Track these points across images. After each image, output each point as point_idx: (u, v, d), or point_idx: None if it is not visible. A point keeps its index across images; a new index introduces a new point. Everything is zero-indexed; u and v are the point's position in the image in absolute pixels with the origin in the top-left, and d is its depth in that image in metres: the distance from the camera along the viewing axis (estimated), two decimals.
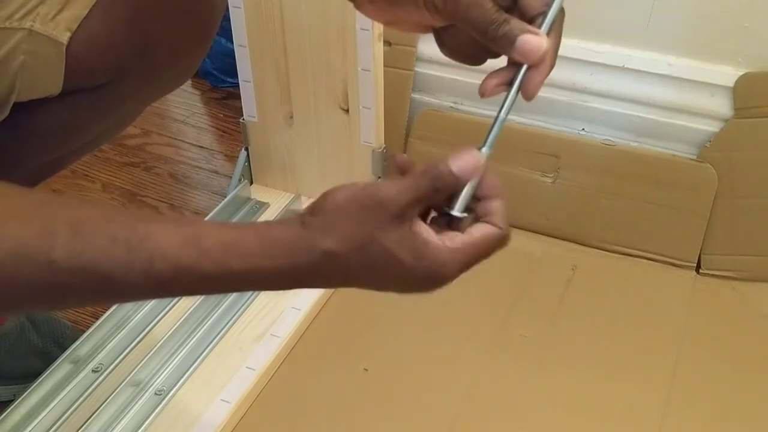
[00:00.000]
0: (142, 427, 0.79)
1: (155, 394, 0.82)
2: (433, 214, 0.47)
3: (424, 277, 0.44)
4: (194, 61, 0.69)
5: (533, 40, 0.46)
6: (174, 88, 0.73)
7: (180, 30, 0.64)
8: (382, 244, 0.43)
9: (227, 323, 0.91)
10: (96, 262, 0.42)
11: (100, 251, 0.42)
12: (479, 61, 0.52)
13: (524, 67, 0.48)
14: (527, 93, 0.48)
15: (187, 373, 0.85)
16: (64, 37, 0.58)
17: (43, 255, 0.41)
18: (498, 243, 0.46)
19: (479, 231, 0.45)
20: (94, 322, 0.90)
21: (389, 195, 0.43)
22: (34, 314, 0.90)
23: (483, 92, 0.50)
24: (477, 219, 0.46)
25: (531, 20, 0.48)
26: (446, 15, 0.49)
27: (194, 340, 0.89)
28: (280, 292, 0.94)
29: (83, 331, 0.89)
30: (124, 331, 0.89)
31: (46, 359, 0.85)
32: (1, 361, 0.86)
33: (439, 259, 0.44)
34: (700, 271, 1.03)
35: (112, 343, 0.88)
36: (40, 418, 0.79)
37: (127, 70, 0.62)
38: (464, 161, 0.45)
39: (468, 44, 0.51)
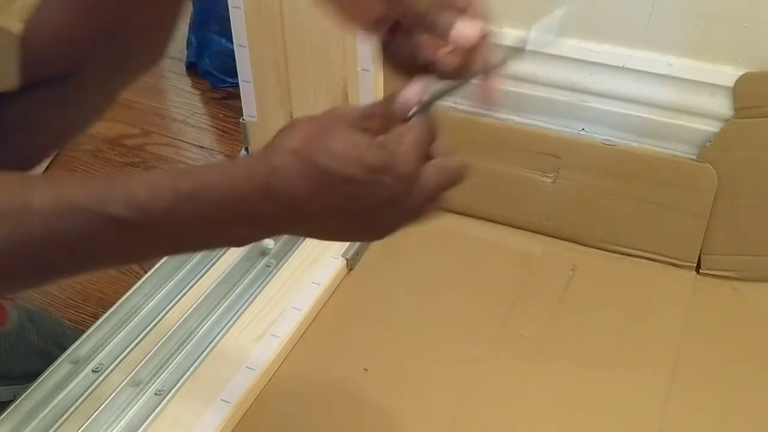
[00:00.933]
0: (142, 427, 0.79)
1: (155, 394, 0.82)
2: None
3: (383, 167, 0.47)
4: (161, 44, 0.66)
5: (467, 25, 0.53)
6: (143, 73, 0.68)
7: (143, 12, 0.60)
8: (337, 148, 0.46)
9: (227, 323, 0.91)
10: (74, 200, 0.44)
11: (78, 189, 0.44)
12: (411, 75, 0.56)
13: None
14: (484, 101, 0.54)
15: (187, 373, 0.85)
16: (17, 28, 0.54)
17: (22, 205, 0.43)
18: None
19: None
20: (94, 322, 0.90)
21: (341, 109, 0.49)
22: (34, 314, 0.90)
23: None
24: None
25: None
26: (394, 2, 0.55)
27: (194, 340, 0.89)
28: (281, 290, 0.96)
29: (83, 331, 0.89)
30: (124, 331, 0.89)
31: (46, 359, 0.85)
32: (1, 361, 0.86)
33: (388, 152, 0.47)
34: (700, 271, 1.03)
35: (112, 343, 0.88)
36: (40, 418, 0.79)
37: (90, 59, 0.59)
38: (408, 90, 0.51)
39: (406, 59, 0.57)
